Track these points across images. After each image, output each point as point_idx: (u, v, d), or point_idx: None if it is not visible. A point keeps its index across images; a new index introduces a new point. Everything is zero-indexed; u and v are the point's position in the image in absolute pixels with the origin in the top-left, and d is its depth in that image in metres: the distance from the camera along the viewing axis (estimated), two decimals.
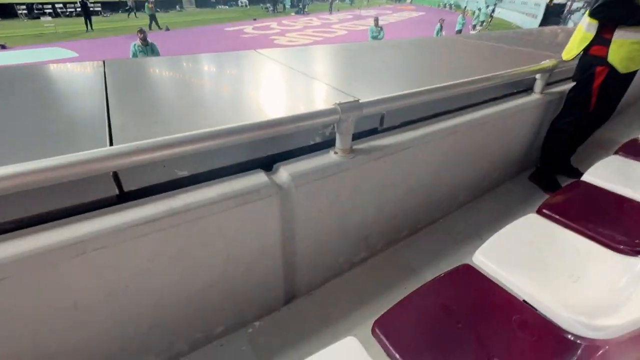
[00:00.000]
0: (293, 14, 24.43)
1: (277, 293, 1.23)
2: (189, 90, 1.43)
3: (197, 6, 25.25)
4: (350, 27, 18.92)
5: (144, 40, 5.77)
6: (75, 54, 10.55)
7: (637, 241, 1.01)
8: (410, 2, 38.32)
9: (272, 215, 1.03)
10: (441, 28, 10.59)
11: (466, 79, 1.40)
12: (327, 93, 1.44)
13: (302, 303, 1.29)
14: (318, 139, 1.20)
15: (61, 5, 18.08)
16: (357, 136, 1.27)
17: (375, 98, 1.13)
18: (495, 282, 0.89)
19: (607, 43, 1.65)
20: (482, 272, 0.91)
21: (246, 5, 28.43)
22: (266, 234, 1.05)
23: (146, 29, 6.69)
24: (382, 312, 0.78)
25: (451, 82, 1.34)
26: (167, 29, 15.46)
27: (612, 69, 1.68)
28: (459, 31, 12.46)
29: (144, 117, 1.11)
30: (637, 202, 1.25)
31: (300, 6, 25.92)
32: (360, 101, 1.08)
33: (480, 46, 2.73)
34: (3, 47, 10.76)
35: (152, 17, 15.65)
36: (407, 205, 1.52)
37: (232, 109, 1.25)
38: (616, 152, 1.63)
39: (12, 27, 14.37)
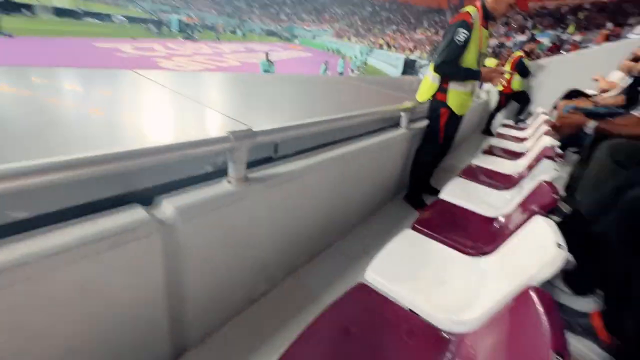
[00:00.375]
0: (180, 38, 23.32)
1: (164, 349, 1.04)
2: (45, 109, 1.16)
3: (55, 14, 21.36)
4: (243, 58, 19.25)
5: None
6: None
7: (479, 244, 1.29)
8: (299, 43, 41.97)
9: (153, 256, 0.88)
10: (326, 68, 11.90)
11: (347, 114, 1.58)
12: (220, 121, 1.38)
13: (196, 355, 1.13)
14: (209, 168, 1.12)
15: None
16: (252, 164, 1.25)
17: (269, 127, 1.14)
18: (385, 295, 0.97)
19: (446, 91, 2.15)
20: (374, 288, 0.99)
21: (124, 23, 25.68)
22: (145, 280, 0.89)
23: None
24: (287, 347, 0.75)
25: (336, 116, 1.48)
26: (10, 36, 12.52)
27: (451, 110, 2.18)
28: (341, 73, 14.21)
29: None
30: (477, 213, 1.60)
31: (189, 32, 25.03)
32: (253, 130, 1.07)
33: (359, 87, 3.16)
34: None
35: None
36: (303, 231, 1.55)
37: (105, 134, 1.06)
38: (459, 175, 2.08)
39: None
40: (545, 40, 14.05)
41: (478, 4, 2.06)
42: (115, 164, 0.75)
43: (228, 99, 1.83)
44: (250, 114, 1.57)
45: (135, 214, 0.84)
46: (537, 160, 1.96)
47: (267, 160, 1.35)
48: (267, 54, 9.65)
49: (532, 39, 5.69)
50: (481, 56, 2.12)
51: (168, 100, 1.56)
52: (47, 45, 12.72)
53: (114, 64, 11.82)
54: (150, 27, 24.72)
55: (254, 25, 46.41)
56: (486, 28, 2.09)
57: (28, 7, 18.74)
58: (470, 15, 1.98)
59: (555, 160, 1.79)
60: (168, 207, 0.91)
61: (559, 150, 1.99)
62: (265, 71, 9.35)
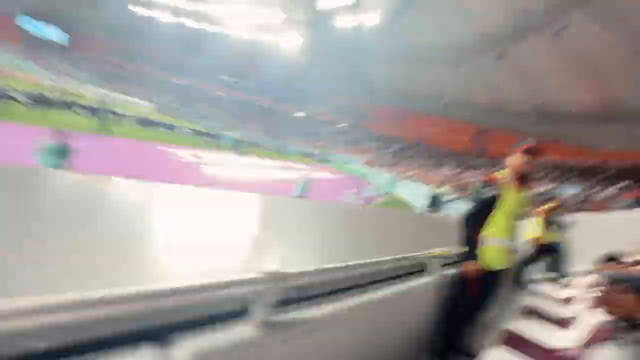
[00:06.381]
0: (230, 151, 26.72)
1: None
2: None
3: (137, 123, 26.14)
4: (280, 173, 21.19)
5: (59, 140, 5.40)
6: None
7: None
8: (333, 166, 46.23)
9: None
10: (357, 192, 12.70)
11: (374, 260, 1.55)
12: (244, 255, 1.41)
13: None
14: (229, 307, 1.09)
15: None
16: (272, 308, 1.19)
17: (296, 270, 1.14)
18: None
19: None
20: None
21: (188, 134, 30.50)
22: None
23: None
24: None
25: (364, 261, 1.47)
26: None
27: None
28: (369, 197, 14.99)
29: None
30: None
31: (239, 147, 28.79)
32: (280, 271, 1.07)
33: (389, 222, 3.23)
34: None
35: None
36: None
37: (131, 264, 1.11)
38: (500, 343, 1.83)
39: None
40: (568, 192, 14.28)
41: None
42: (131, 304, 0.74)
43: (256, 230, 1.92)
44: (273, 248, 1.61)
45: (147, 357, 0.78)
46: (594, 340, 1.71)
47: (290, 303, 1.29)
48: (305, 176, 10.63)
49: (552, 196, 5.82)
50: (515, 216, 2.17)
51: (191, 223, 1.64)
52: (128, 145, 15.20)
53: (169, 165, 13.59)
54: (208, 140, 29.00)
55: (294, 147, 52.96)
56: (521, 190, 2.19)
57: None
58: (498, 177, 2.13)
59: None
60: (183, 351, 0.85)
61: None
62: (302, 190, 10.17)
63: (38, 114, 15.91)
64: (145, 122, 27.03)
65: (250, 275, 0.99)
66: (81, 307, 0.66)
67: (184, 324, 0.94)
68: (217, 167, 16.35)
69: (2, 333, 0.57)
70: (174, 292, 0.82)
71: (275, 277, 1.03)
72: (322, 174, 30.37)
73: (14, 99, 14.50)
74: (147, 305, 0.76)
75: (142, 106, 33.96)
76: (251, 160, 24.58)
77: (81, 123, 16.37)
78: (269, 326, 1.04)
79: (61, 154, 5.39)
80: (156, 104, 45.59)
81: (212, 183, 12.64)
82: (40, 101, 18.15)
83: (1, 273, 0.84)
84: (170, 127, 29.79)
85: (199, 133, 32.26)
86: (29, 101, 17.21)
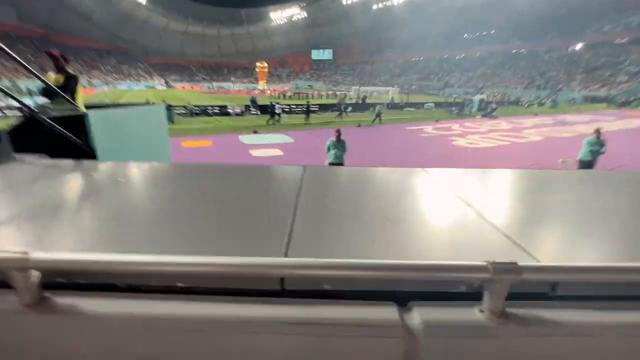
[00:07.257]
0: (479, 117, 24.29)
1: None
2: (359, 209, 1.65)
3: (387, 108, 29.56)
4: (549, 132, 16.84)
5: (338, 137, 7.24)
6: (291, 140, 14.34)
7: None
8: None
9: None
10: None
11: None
12: (493, 241, 1.33)
13: None
14: (462, 288, 1.12)
15: (295, 106, 25.79)
16: (514, 296, 1.09)
17: (540, 264, 0.98)
18: None
19: None
20: None
21: (432, 108, 30.80)
22: None
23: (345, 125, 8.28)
24: None
25: None
26: (359, 125, 18.76)
27: None
28: None
29: (322, 231, 1.37)
30: None
31: (488, 110, 25.56)
32: (519, 264, 0.96)
33: None
34: (255, 132, 16.01)
35: (378, 115, 20.21)
36: None
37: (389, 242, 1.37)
38: None
39: (263, 120, 21.19)
40: None
41: None
42: (380, 272, 0.96)
43: (514, 210, 1.70)
44: (536, 234, 1.38)
45: (391, 313, 1.00)
46: None
47: (541, 296, 1.12)
48: (596, 131, 7.78)
49: None
50: None
51: (443, 207, 1.69)
52: (377, 131, 17.88)
53: (414, 143, 14.47)
54: (453, 110, 27.88)
55: (573, 93, 39.54)
56: None
57: (371, 106, 27.22)
58: None
59: None
60: (417, 316, 1.00)
61: None
62: (592, 152, 7.65)
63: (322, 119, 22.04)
64: (392, 106, 30.16)
65: (480, 262, 0.97)
66: (363, 269, 0.97)
67: (424, 294, 1.09)
68: (467, 137, 15.52)
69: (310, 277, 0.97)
70: (406, 267, 0.98)
71: (506, 269, 0.94)
72: (625, 122, 20.91)
73: (310, 111, 21.04)
74: (394, 275, 0.97)
75: (388, 93, 38.04)
76: (505, 122, 21.13)
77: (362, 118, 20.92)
78: (499, 316, 0.97)
79: (341, 146, 7.29)
80: (400, 86, 49.32)
81: (465, 155, 12.21)
82: (324, 108, 25.00)
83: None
84: (414, 105, 31.35)
85: (444, 105, 31.68)
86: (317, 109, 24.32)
